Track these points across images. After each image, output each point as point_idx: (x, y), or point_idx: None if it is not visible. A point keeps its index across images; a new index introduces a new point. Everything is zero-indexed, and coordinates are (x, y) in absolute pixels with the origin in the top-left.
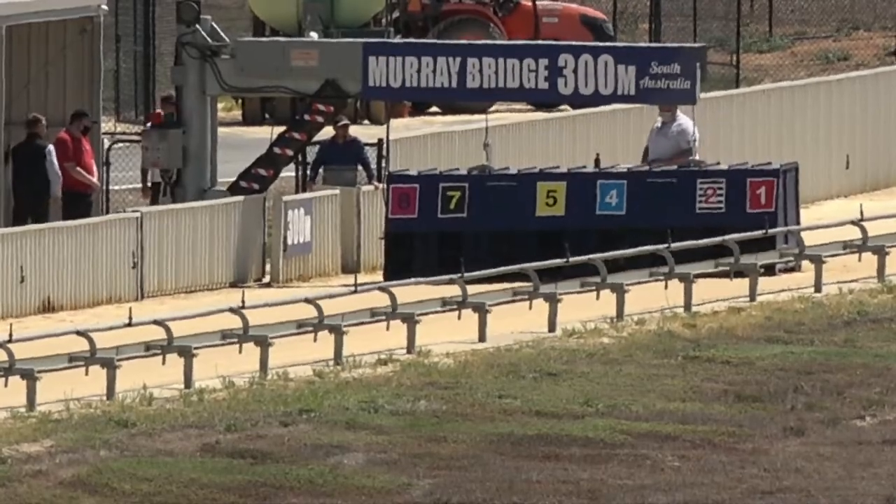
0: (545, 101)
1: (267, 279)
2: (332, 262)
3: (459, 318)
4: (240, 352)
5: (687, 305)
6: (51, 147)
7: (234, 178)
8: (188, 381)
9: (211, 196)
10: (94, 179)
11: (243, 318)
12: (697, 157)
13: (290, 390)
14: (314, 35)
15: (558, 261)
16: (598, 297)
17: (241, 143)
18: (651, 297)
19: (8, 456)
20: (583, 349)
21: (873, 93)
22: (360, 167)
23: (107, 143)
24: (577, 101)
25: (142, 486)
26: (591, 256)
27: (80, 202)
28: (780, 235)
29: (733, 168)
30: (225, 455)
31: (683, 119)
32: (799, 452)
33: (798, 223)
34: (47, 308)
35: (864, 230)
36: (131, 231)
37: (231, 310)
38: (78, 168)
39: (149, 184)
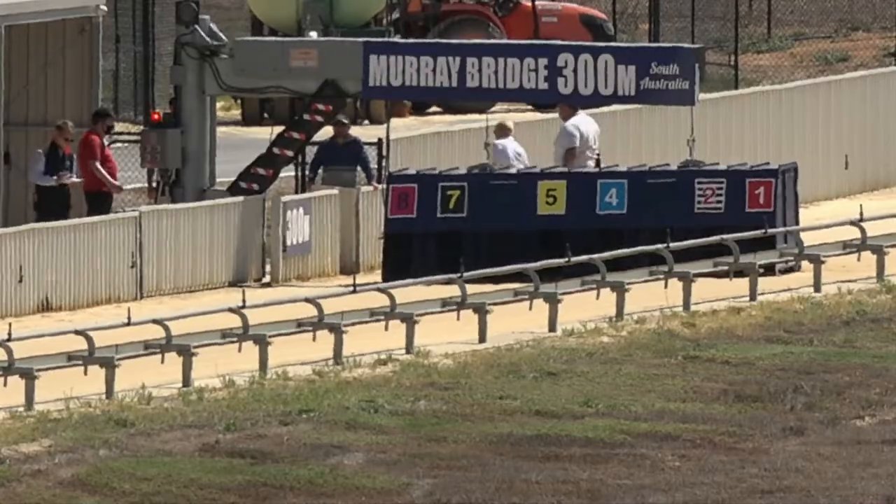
0: (545, 101)
1: (266, 279)
2: (332, 262)
3: (459, 318)
4: (239, 351)
5: (686, 305)
6: (38, 152)
7: (233, 178)
8: (187, 380)
9: (210, 196)
10: (117, 182)
11: (243, 317)
12: (695, 160)
13: (290, 390)
14: (314, 35)
15: (559, 260)
16: (598, 297)
17: (241, 142)
18: (651, 296)
19: (7, 456)
20: (583, 349)
21: (872, 93)
22: (359, 167)
23: (105, 143)
24: (577, 101)
25: (141, 485)
26: (591, 256)
27: (103, 201)
28: (780, 235)
29: (732, 168)
30: (224, 455)
31: (574, 119)
32: (799, 452)
33: (797, 223)
34: (46, 307)
35: (863, 230)
36: (130, 231)
37: (230, 309)
38: (98, 166)
39: (154, 184)
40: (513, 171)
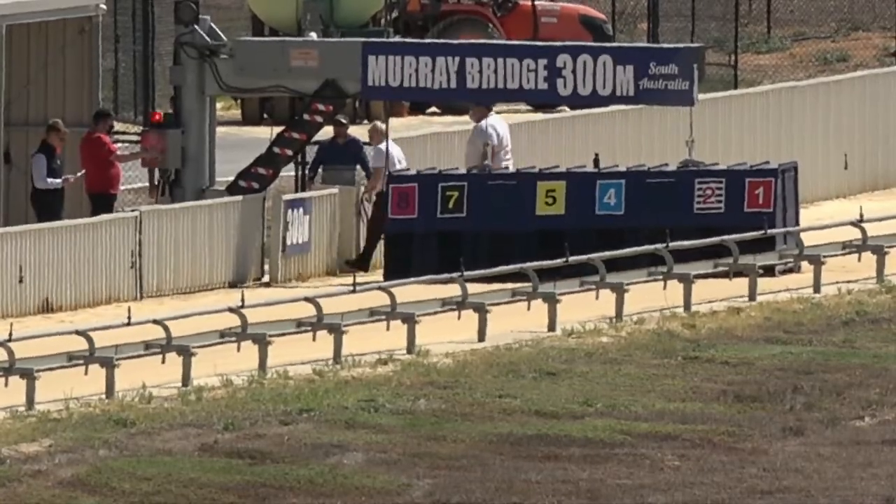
0: (544, 101)
1: (266, 279)
2: (332, 261)
3: (459, 317)
4: (238, 351)
5: (686, 305)
6: (39, 155)
7: (232, 178)
8: (187, 380)
9: (209, 196)
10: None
11: (242, 317)
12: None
13: (290, 389)
14: (313, 35)
15: (558, 261)
16: (597, 297)
17: (240, 142)
18: (650, 296)
19: (7, 456)
20: (582, 349)
21: (872, 93)
22: (359, 167)
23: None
24: (576, 101)
25: (141, 485)
26: (590, 256)
27: (106, 202)
28: (780, 236)
29: (732, 168)
30: (224, 454)
31: (489, 119)
32: (798, 452)
33: (798, 223)
34: (47, 308)
35: (863, 231)
36: (130, 231)
37: (230, 309)
38: (121, 154)
39: (156, 182)
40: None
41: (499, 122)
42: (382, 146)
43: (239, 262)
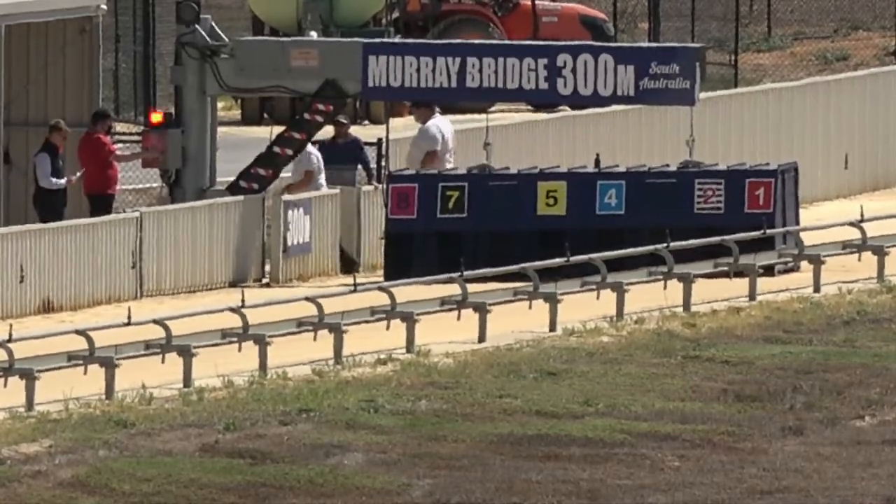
0: (544, 101)
1: (266, 279)
2: (332, 262)
3: (459, 317)
4: (239, 351)
5: (686, 305)
6: (43, 154)
7: (233, 178)
8: (187, 380)
9: (210, 196)
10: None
11: (243, 317)
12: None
13: (290, 389)
14: (314, 35)
15: (558, 260)
16: (598, 297)
17: (240, 142)
18: (650, 296)
19: (7, 456)
20: (583, 348)
21: (872, 93)
22: (359, 167)
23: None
24: (577, 101)
25: (141, 486)
26: (591, 256)
27: (105, 203)
28: (779, 235)
29: (732, 168)
30: (224, 455)
31: (434, 120)
32: (798, 452)
33: (798, 223)
34: (47, 308)
35: (863, 231)
36: (131, 231)
37: (230, 309)
38: (121, 154)
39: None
40: (323, 177)
41: (444, 122)
42: (312, 151)
43: (239, 262)
